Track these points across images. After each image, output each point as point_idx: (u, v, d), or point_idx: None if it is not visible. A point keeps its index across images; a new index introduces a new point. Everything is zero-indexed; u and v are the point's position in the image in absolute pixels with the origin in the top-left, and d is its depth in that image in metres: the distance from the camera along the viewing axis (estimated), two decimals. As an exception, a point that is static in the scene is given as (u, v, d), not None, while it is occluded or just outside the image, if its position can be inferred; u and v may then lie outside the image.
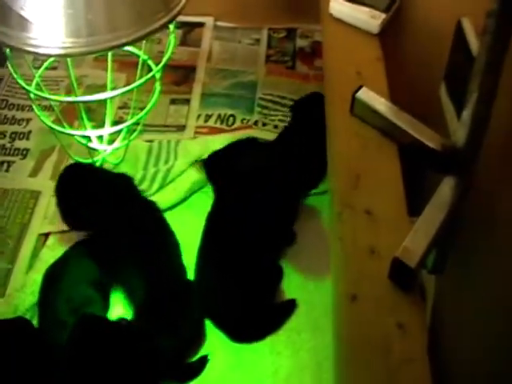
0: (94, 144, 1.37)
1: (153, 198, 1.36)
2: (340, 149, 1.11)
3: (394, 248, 0.92)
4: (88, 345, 0.98)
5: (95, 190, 1.21)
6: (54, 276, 1.16)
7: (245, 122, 1.55)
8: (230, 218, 1.25)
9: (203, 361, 1.10)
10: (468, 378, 0.90)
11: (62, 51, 1.07)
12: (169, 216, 1.32)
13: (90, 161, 1.36)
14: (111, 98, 1.26)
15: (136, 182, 1.35)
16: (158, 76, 1.33)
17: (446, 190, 0.96)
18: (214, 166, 1.38)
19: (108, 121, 1.35)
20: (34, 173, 1.45)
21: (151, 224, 1.22)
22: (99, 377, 0.96)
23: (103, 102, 1.39)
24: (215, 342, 1.16)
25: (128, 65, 1.53)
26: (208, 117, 1.56)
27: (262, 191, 1.26)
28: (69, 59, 1.18)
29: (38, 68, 1.32)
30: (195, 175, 1.41)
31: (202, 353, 1.14)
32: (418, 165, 1.10)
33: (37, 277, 1.20)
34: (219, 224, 1.25)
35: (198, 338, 1.14)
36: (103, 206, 1.19)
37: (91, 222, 1.20)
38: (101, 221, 1.19)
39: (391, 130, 1.09)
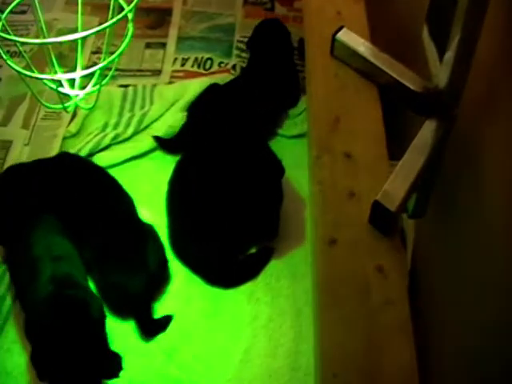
0: (65, 89, 1.33)
1: (128, 143, 1.34)
2: (318, 90, 1.09)
3: (374, 192, 0.91)
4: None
5: (37, 182, 1.20)
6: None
7: (222, 65, 1.51)
8: (206, 158, 1.24)
9: (168, 319, 1.10)
10: (448, 322, 0.90)
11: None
12: (144, 162, 1.32)
13: (60, 107, 1.33)
14: (82, 38, 1.21)
15: (109, 128, 1.33)
16: (130, 16, 1.28)
17: (427, 133, 0.94)
18: (197, 112, 1.37)
19: (79, 64, 1.30)
20: (5, 122, 1.40)
21: (100, 189, 1.23)
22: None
23: (74, 46, 1.34)
24: (192, 290, 1.15)
25: (101, 8, 1.48)
26: (184, 61, 1.53)
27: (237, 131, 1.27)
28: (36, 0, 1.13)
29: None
30: (171, 119, 1.39)
31: (180, 299, 1.13)
32: (399, 107, 1.08)
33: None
34: (193, 166, 1.24)
35: (162, 273, 1.14)
36: (50, 192, 1.19)
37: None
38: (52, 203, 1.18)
39: (371, 72, 1.07)
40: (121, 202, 1.21)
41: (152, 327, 1.09)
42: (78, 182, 1.22)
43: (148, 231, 1.17)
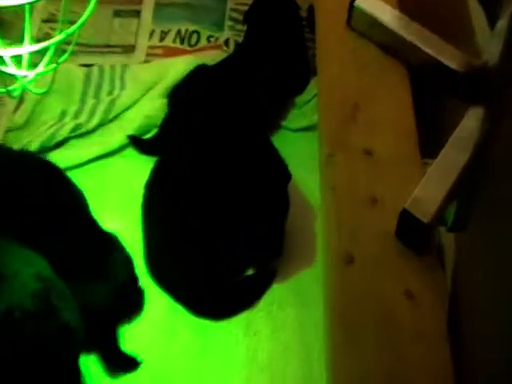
0: (10, 68, 1.33)
1: (92, 138, 1.35)
2: (332, 71, 1.11)
3: (402, 198, 0.92)
4: None
5: None
6: None
7: (212, 40, 1.53)
8: (193, 157, 1.25)
9: (136, 361, 1.11)
10: (498, 362, 0.91)
11: None
12: (113, 162, 1.33)
13: (3, 91, 1.33)
14: (30, 3, 1.22)
15: (69, 115, 1.34)
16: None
17: (470, 123, 0.96)
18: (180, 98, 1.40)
19: (27, 36, 1.30)
20: None
21: (49, 192, 1.24)
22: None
23: (20, 12, 1.34)
24: (175, 320, 1.16)
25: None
26: (164, 34, 1.54)
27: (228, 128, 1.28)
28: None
29: None
30: (148, 108, 1.40)
31: (160, 331, 1.15)
32: (435, 92, 1.10)
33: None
34: (177, 167, 1.25)
35: (130, 287, 1.16)
36: None
37: None
38: None
39: (399, 47, 1.08)
40: (75, 203, 1.23)
41: (117, 358, 1.11)
42: (21, 183, 1.23)
43: (112, 240, 1.19)
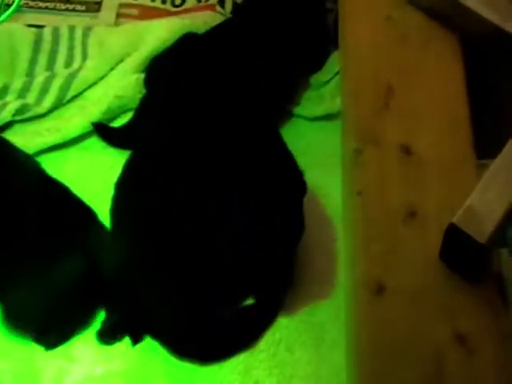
0: None
1: (44, 123, 1.35)
2: (360, 44, 1.12)
3: (450, 210, 0.92)
4: None
5: None
6: None
7: (203, -1, 1.55)
8: (178, 151, 1.25)
9: None
10: None
11: None
12: (72, 154, 1.34)
13: None
14: None
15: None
16: None
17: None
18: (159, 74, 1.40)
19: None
20: None
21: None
22: None
23: None
24: (153, 362, 1.16)
25: None
26: (140, -11, 1.56)
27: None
28: None
29: None
30: (119, 86, 1.40)
31: (134, 376, 1.15)
32: (497, 71, 1.10)
33: None
34: (157, 163, 1.25)
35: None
36: None
37: None
38: None
39: (450, 12, 1.09)
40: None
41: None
42: None
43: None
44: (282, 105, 1.40)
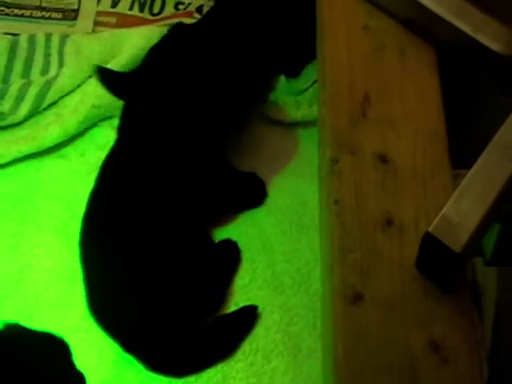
0: None
1: (18, 130, 1.36)
2: (337, 53, 1.11)
3: (426, 218, 0.94)
4: None
5: None
6: None
7: (181, 7, 1.55)
8: (141, 168, 1.25)
9: None
10: None
11: None
12: (48, 164, 1.34)
13: None
14: None
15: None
16: None
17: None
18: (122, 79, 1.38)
19: None
20: None
21: None
22: None
23: None
24: (125, 378, 1.17)
25: None
26: (117, -2, 1.56)
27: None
28: None
29: None
30: (96, 94, 1.40)
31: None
32: (471, 81, 1.10)
33: None
34: (126, 172, 1.26)
35: None
36: None
37: None
38: None
39: (426, 22, 1.09)
40: None
41: None
42: None
43: None
44: (253, 107, 1.41)
